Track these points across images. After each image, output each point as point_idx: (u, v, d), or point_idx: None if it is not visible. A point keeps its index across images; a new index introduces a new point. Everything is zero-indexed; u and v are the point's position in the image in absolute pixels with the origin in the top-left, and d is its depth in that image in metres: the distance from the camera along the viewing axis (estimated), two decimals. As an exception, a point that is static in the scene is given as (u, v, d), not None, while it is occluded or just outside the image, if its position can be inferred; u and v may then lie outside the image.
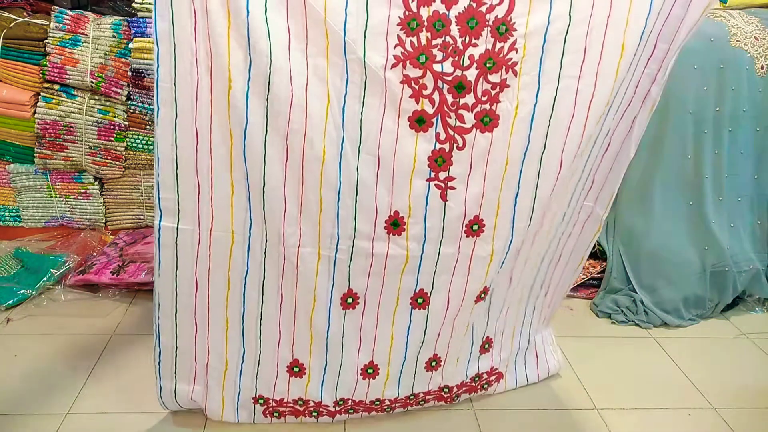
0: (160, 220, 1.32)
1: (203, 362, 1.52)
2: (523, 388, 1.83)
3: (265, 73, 1.20)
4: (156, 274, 1.38)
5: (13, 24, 2.27)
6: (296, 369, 1.55)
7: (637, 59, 1.30)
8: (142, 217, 2.60)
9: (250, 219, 1.36)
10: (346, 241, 1.39)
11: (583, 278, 2.37)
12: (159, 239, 1.34)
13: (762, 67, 2.24)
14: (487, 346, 1.70)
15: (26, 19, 2.30)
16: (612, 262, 2.36)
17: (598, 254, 2.40)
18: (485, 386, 1.76)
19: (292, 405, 1.61)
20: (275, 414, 1.62)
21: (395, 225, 1.39)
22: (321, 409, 1.62)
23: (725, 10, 2.34)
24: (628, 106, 1.40)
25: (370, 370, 1.58)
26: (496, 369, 1.76)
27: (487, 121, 1.31)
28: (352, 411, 1.64)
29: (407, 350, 1.56)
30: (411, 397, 1.66)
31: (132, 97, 2.39)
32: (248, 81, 1.21)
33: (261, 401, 1.59)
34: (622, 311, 2.26)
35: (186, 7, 1.15)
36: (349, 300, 1.47)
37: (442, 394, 1.70)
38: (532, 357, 1.85)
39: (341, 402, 1.61)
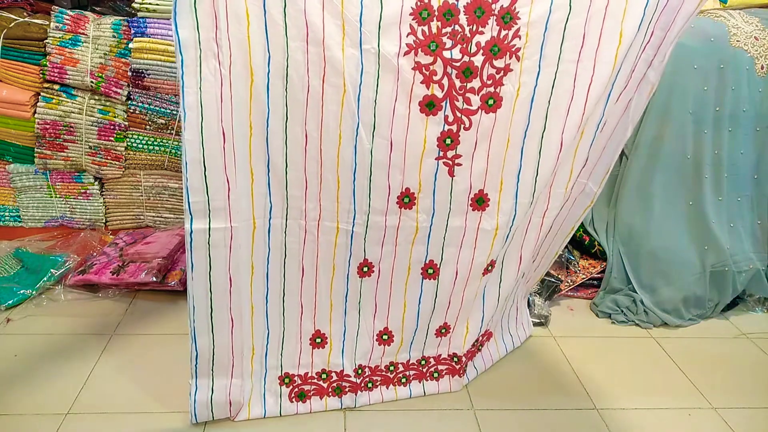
0: (191, 224, 1.36)
1: (240, 354, 1.56)
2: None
3: (282, 66, 1.30)
4: (189, 278, 1.41)
5: (13, 24, 2.27)
6: (318, 340, 1.67)
7: (635, 46, 1.37)
8: (142, 217, 2.60)
9: (270, 203, 1.46)
10: (361, 216, 1.50)
11: (583, 278, 2.38)
12: (191, 242, 1.37)
13: (762, 67, 2.24)
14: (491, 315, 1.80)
15: (26, 19, 2.30)
16: (612, 262, 2.36)
17: (598, 254, 2.40)
18: (480, 347, 1.85)
19: (316, 380, 1.69)
20: (300, 396, 1.67)
21: (406, 200, 1.50)
22: (344, 383, 1.69)
23: (725, 10, 2.34)
24: (624, 89, 1.46)
25: (385, 336, 1.70)
26: (488, 329, 1.86)
27: (492, 103, 1.41)
28: (371, 384, 1.72)
29: (419, 318, 1.68)
30: (423, 363, 1.76)
31: (132, 97, 2.39)
32: (268, 74, 1.31)
33: (287, 380, 1.67)
34: (622, 311, 2.26)
35: (208, 13, 1.21)
36: (365, 269, 1.58)
37: (453, 364, 1.77)
38: (513, 312, 1.99)
39: (360, 370, 1.70)
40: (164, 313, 2.13)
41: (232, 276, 1.44)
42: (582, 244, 2.42)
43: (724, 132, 2.26)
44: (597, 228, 2.41)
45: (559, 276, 2.36)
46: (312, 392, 1.69)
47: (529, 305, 2.20)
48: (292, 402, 1.67)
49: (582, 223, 2.41)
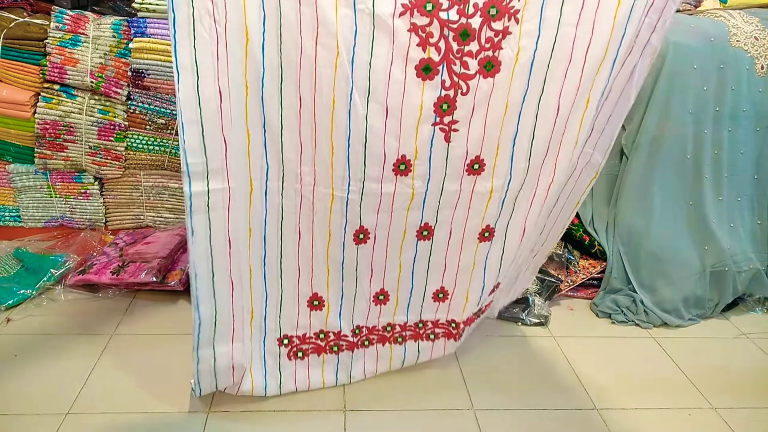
0: (189, 186, 1.32)
1: (240, 317, 1.56)
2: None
3: (276, 26, 1.27)
4: (190, 242, 1.38)
5: (13, 24, 2.27)
6: (316, 302, 1.68)
7: (637, 9, 1.34)
8: (142, 217, 2.60)
9: (267, 164, 1.43)
10: (356, 183, 1.47)
11: (583, 278, 2.38)
12: (190, 206, 1.34)
13: (762, 67, 2.24)
14: (494, 288, 1.80)
15: (26, 19, 2.30)
16: (612, 262, 2.36)
17: (598, 254, 2.40)
18: (479, 314, 1.87)
19: (314, 340, 1.72)
20: (299, 354, 1.72)
21: (402, 167, 1.48)
22: (341, 342, 1.74)
23: (725, 10, 2.34)
24: (629, 55, 1.43)
25: (381, 297, 1.71)
26: (491, 301, 1.89)
27: (490, 67, 1.38)
28: (368, 342, 1.77)
29: (413, 277, 1.70)
30: (420, 326, 1.80)
31: (132, 97, 2.39)
32: (263, 33, 1.27)
33: (285, 341, 1.70)
34: (622, 311, 2.26)
35: None
36: (361, 236, 1.57)
37: (450, 329, 1.82)
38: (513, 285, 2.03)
39: (357, 330, 1.74)
40: (164, 313, 2.13)
41: (231, 238, 1.42)
42: (582, 244, 2.42)
43: (724, 132, 2.26)
44: (597, 228, 2.41)
45: (559, 276, 2.36)
46: (310, 350, 1.72)
47: (529, 305, 2.21)
48: (290, 360, 1.70)
49: (582, 223, 2.43)
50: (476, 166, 1.52)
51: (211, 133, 1.30)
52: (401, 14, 1.29)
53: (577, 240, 2.42)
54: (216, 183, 1.35)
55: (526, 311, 2.19)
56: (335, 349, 1.74)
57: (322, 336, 1.72)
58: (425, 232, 1.61)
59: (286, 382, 1.72)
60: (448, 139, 1.46)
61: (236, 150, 1.36)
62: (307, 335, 1.71)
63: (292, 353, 1.71)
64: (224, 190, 1.37)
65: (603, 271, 2.39)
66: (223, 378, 1.59)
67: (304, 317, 1.69)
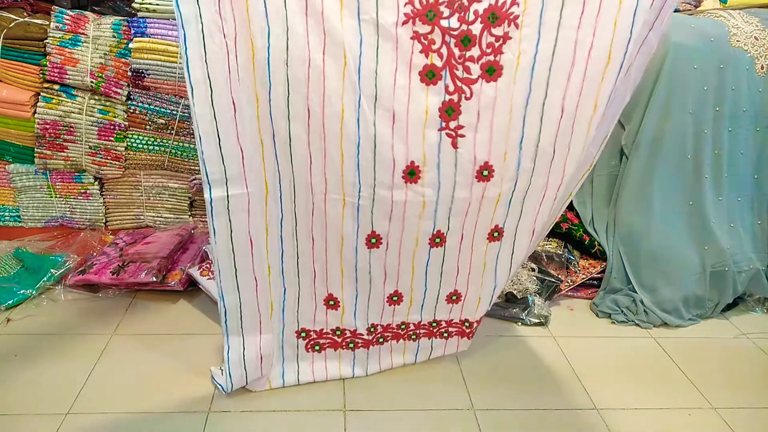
0: (210, 193, 1.42)
1: (265, 311, 1.65)
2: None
3: (283, 39, 1.30)
4: (212, 242, 1.50)
5: (13, 24, 2.27)
6: (332, 302, 1.73)
7: (640, 13, 1.35)
8: (142, 217, 2.60)
9: (279, 171, 1.49)
10: (367, 189, 1.51)
11: (583, 278, 2.38)
12: (212, 210, 1.44)
13: (762, 67, 2.24)
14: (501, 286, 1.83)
15: (26, 19, 2.30)
16: (612, 262, 2.36)
17: (598, 254, 2.40)
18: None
19: (330, 336, 1.79)
20: (316, 347, 1.79)
21: (411, 174, 1.50)
22: (357, 340, 1.79)
23: (725, 10, 2.34)
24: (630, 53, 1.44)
25: (395, 298, 1.74)
26: None
27: (492, 72, 1.40)
28: (382, 340, 1.82)
29: (427, 281, 1.73)
30: (434, 324, 1.84)
31: (132, 97, 2.39)
32: (268, 48, 1.31)
33: (303, 334, 1.77)
34: (622, 311, 2.26)
35: None
36: (373, 240, 1.60)
37: (464, 328, 1.87)
38: None
39: (372, 329, 1.79)
40: (164, 313, 2.13)
41: (252, 238, 1.50)
42: (582, 244, 2.42)
43: (724, 132, 2.26)
44: (597, 228, 2.41)
45: (559, 276, 2.36)
46: (327, 345, 1.79)
47: (528, 305, 2.21)
48: (308, 352, 1.78)
49: (582, 223, 2.43)
50: (485, 173, 1.53)
51: (227, 143, 1.37)
52: (404, 23, 1.33)
53: (577, 240, 2.42)
54: (235, 189, 1.44)
55: (526, 311, 2.19)
56: (351, 345, 1.79)
57: (338, 333, 1.77)
58: (438, 240, 1.63)
59: (304, 372, 1.79)
60: (455, 145, 1.48)
61: (251, 156, 1.42)
62: (324, 331, 1.77)
63: (309, 346, 1.78)
64: (243, 195, 1.45)
65: (603, 271, 2.39)
66: (252, 369, 1.67)
67: (321, 314, 1.74)
